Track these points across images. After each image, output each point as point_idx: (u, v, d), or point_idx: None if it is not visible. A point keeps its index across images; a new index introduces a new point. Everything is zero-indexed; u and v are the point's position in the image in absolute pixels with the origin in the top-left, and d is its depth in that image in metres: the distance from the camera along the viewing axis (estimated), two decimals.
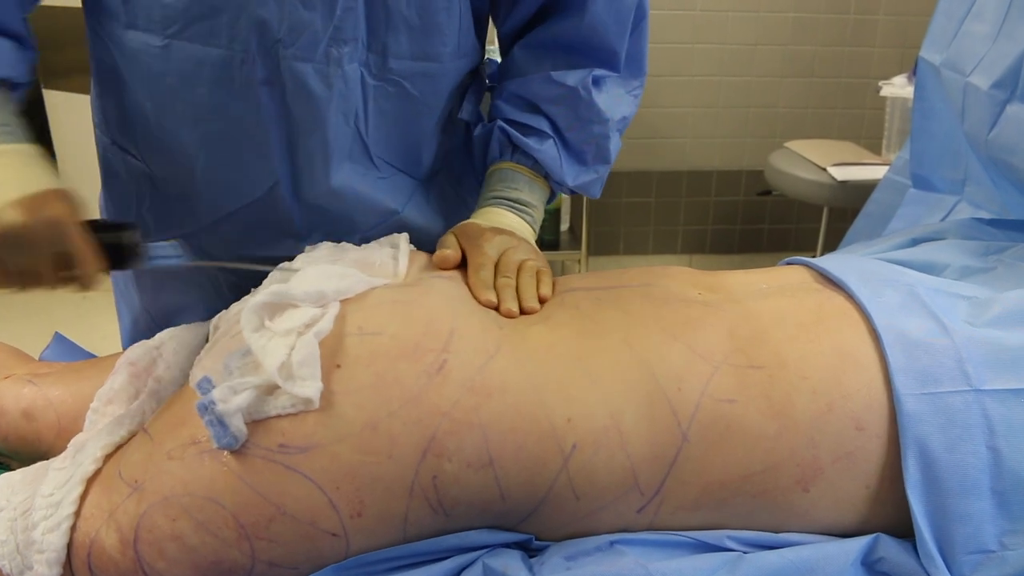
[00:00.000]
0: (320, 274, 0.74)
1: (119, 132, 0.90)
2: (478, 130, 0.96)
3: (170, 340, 0.88)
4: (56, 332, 1.03)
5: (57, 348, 1.03)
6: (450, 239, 0.85)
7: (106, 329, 2.59)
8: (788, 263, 0.87)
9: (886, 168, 2.39)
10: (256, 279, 0.84)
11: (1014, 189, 1.11)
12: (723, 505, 0.66)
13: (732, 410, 0.65)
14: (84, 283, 0.69)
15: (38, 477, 0.71)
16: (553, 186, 0.97)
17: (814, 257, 2.73)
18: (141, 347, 0.88)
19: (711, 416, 0.65)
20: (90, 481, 0.68)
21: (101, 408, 0.83)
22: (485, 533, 0.65)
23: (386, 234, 0.89)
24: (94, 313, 2.82)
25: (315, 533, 0.62)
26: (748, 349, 0.68)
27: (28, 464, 0.89)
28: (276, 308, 0.70)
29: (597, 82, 0.92)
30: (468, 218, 0.93)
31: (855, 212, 2.96)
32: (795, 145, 2.63)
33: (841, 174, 2.34)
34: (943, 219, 1.37)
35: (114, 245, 0.70)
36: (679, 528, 0.66)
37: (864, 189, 2.37)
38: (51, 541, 0.65)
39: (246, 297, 0.81)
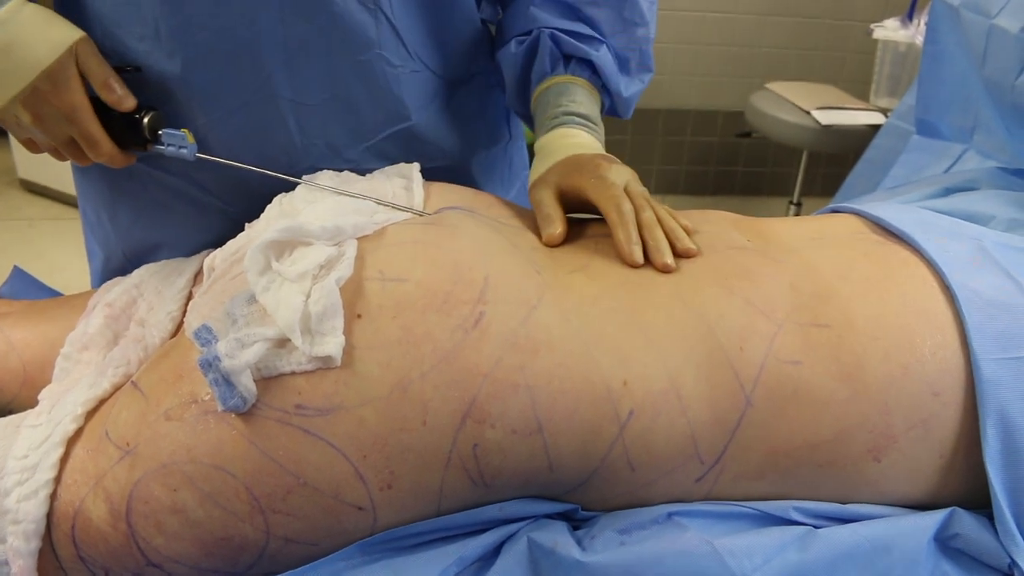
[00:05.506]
0: (335, 206, 0.65)
1: None
2: (514, 46, 0.85)
3: (150, 278, 0.79)
4: (15, 266, 0.92)
5: (16, 284, 0.92)
6: (547, 196, 0.73)
7: (56, 260, 2.45)
8: (833, 210, 0.81)
9: (872, 114, 2.35)
10: (256, 203, 0.74)
11: None
12: (787, 474, 0.60)
13: (799, 373, 0.59)
14: (105, 162, 0.72)
15: (7, 435, 0.61)
16: (604, 100, 0.87)
17: (793, 202, 2.67)
18: (117, 285, 0.79)
19: (776, 379, 0.59)
20: (71, 442, 0.59)
21: (74, 354, 0.74)
22: (527, 503, 0.58)
23: (393, 144, 0.80)
24: (40, 240, 2.66)
25: (339, 507, 0.55)
26: (813, 305, 0.62)
27: None
28: (285, 246, 0.61)
29: None
30: (494, 138, 0.84)
31: (835, 158, 2.94)
32: (777, 87, 2.56)
33: (825, 118, 2.29)
34: (949, 168, 1.32)
35: (126, 126, 0.71)
36: (739, 498, 0.60)
37: (848, 134, 2.33)
38: (28, 510, 0.56)
39: (244, 232, 0.72)
